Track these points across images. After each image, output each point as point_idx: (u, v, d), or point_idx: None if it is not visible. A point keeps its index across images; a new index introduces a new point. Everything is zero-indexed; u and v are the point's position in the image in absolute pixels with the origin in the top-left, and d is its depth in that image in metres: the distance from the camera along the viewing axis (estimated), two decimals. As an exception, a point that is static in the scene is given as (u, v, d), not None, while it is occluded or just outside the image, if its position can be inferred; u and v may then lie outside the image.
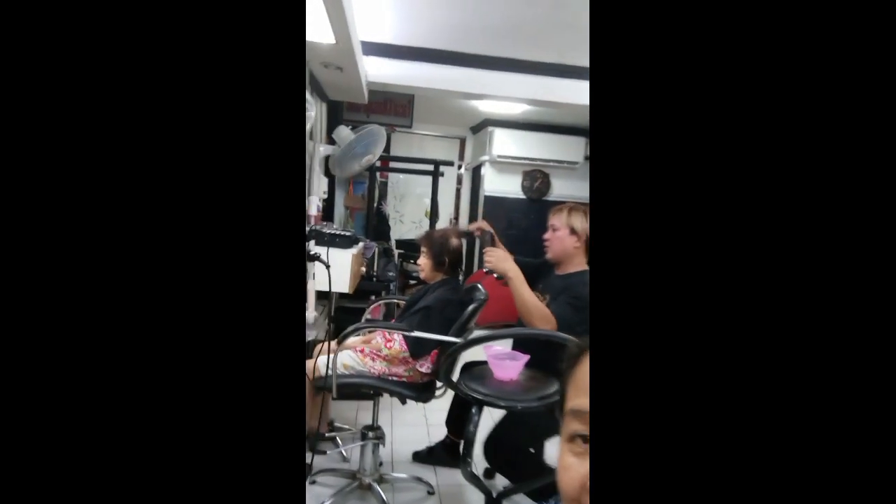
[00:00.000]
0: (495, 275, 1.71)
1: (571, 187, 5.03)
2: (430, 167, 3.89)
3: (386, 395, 1.93)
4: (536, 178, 5.02)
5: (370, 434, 1.96)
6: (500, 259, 1.75)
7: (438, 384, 1.92)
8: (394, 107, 3.88)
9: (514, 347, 1.78)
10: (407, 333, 1.75)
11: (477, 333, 1.55)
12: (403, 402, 1.88)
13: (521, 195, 5.03)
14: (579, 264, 1.79)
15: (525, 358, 1.53)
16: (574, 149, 4.89)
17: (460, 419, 2.02)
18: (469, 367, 1.75)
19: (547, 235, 1.84)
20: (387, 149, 3.64)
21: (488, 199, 4.98)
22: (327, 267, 1.70)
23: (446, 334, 1.80)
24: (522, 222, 4.96)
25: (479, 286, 2.06)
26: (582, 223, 1.77)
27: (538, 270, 1.94)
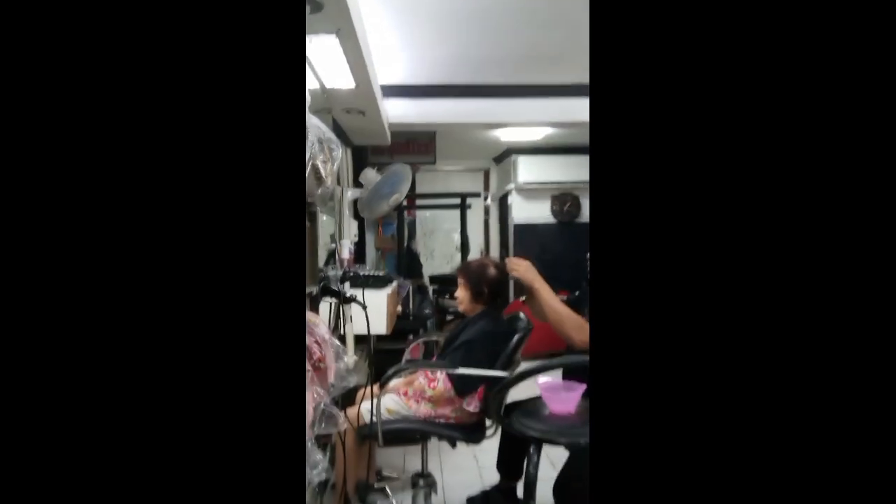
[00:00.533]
0: (522, 298, 1.61)
1: (602, 207, 4.91)
2: (457, 200, 3.88)
3: (434, 439, 1.84)
4: (566, 200, 4.94)
5: (421, 482, 1.86)
6: (526, 268, 1.64)
7: (488, 423, 1.82)
8: (416, 145, 3.91)
9: (566, 376, 1.68)
10: (450, 371, 1.67)
11: (525, 366, 1.46)
12: (453, 446, 1.79)
13: (552, 219, 4.95)
14: None
15: (581, 388, 1.42)
16: (601, 168, 4.81)
17: (513, 461, 1.90)
18: (518, 403, 1.65)
19: None
20: (412, 187, 3.67)
21: (518, 227, 4.91)
22: (364, 308, 1.66)
23: (492, 368, 1.71)
24: (556, 247, 4.86)
25: (521, 315, 1.98)
26: None
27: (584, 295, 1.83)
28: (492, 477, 2.30)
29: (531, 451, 1.33)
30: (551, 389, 1.48)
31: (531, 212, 4.94)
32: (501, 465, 1.99)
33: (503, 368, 1.70)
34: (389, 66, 2.75)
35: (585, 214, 4.94)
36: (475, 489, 2.18)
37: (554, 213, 4.95)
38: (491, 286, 1.87)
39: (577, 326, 1.45)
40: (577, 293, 2.05)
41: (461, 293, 1.90)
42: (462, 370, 1.66)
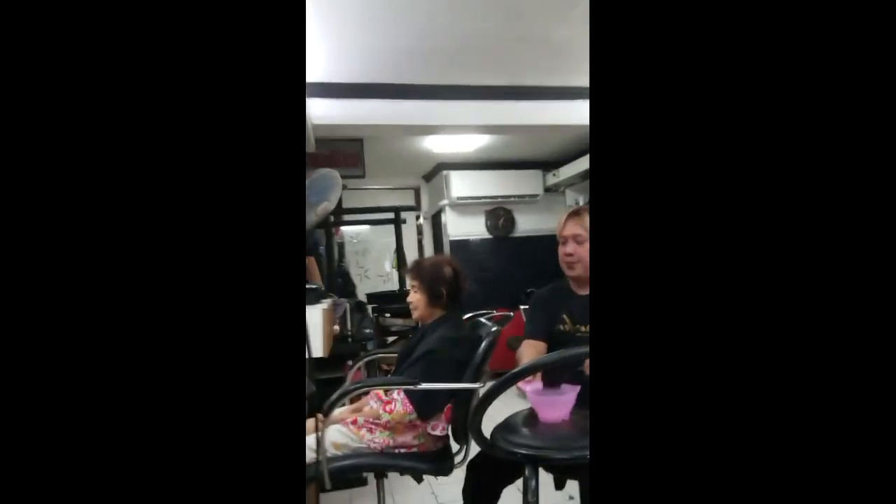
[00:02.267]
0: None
1: (535, 220, 4.87)
2: (390, 215, 3.61)
3: (391, 475, 1.52)
4: (499, 215, 4.83)
5: (379, 531, 1.51)
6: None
7: (454, 447, 1.53)
8: (343, 157, 3.61)
9: (548, 383, 1.44)
10: (411, 388, 1.38)
11: (520, 366, 1.18)
12: (419, 481, 1.47)
13: (487, 235, 4.81)
14: None
15: (575, 389, 1.17)
16: (532, 182, 4.78)
17: (486, 492, 1.58)
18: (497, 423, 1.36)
19: (569, 250, 1.46)
20: (339, 203, 3.36)
21: (454, 243, 4.72)
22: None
23: (459, 382, 1.44)
24: (493, 262, 4.72)
25: (483, 320, 1.73)
26: None
27: (553, 296, 1.59)
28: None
29: (527, 474, 1.06)
30: (541, 394, 1.22)
31: (466, 227, 4.77)
32: (470, 498, 1.67)
33: (473, 380, 1.43)
34: (308, 60, 2.47)
35: (520, 229, 4.86)
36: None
37: (489, 228, 4.82)
38: (449, 287, 1.61)
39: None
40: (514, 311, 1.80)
41: (415, 297, 1.62)
42: (426, 385, 1.37)
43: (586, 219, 1.46)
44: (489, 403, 1.10)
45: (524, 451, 1.08)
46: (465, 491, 1.46)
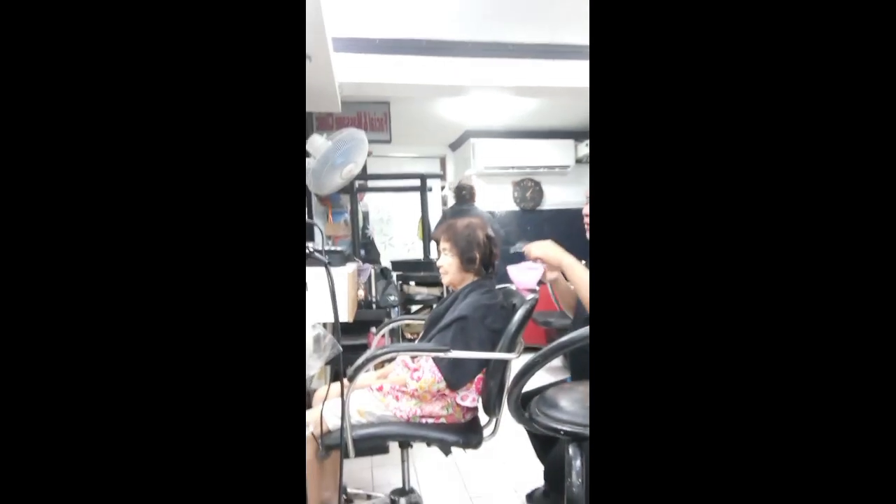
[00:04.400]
0: (543, 282, 1.38)
1: (565, 193, 4.71)
2: (416, 182, 3.50)
3: (416, 445, 1.45)
4: (528, 186, 4.68)
5: (402, 501, 1.46)
6: (547, 247, 1.35)
7: (483, 420, 1.45)
8: (369, 120, 3.50)
9: (575, 368, 1.35)
10: (441, 355, 1.29)
11: (556, 342, 1.09)
12: (447, 453, 1.40)
13: (514, 207, 4.67)
14: None
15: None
16: (563, 152, 4.59)
17: (555, 464, 1.51)
18: (531, 394, 1.27)
19: (587, 210, 1.40)
20: (363, 170, 3.26)
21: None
22: (331, 279, 1.24)
23: (493, 351, 1.35)
24: (520, 235, 4.58)
25: (513, 287, 1.63)
26: None
27: None
28: (477, 485, 1.94)
29: (570, 452, 0.97)
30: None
31: (492, 199, 4.64)
32: (547, 472, 1.56)
33: (508, 350, 1.34)
34: (334, 12, 2.34)
35: (548, 201, 4.71)
36: (460, 502, 1.81)
37: (516, 199, 4.68)
38: (482, 252, 1.50)
39: None
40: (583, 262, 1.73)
41: (446, 261, 1.52)
42: (457, 353, 1.28)
43: None
44: (531, 375, 1.00)
45: (568, 428, 0.98)
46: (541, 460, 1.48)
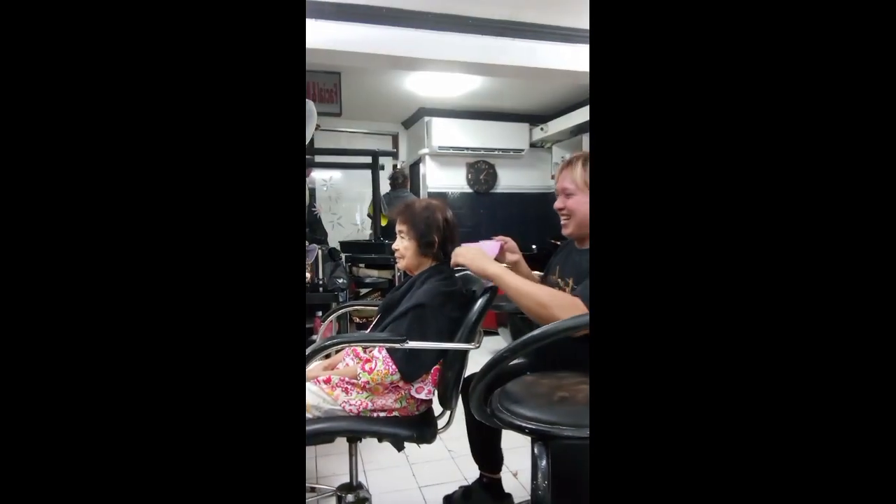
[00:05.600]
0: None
1: (518, 177, 4.69)
2: (368, 159, 3.35)
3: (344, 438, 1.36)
4: (482, 169, 4.62)
5: (350, 497, 1.37)
6: (472, 257, 1.28)
7: (437, 410, 1.38)
8: (318, 91, 3.29)
9: (537, 366, 1.31)
10: (397, 346, 1.20)
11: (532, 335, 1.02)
12: (399, 448, 1.32)
13: (467, 189, 4.61)
14: None
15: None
16: (518, 135, 4.55)
17: (489, 448, 1.51)
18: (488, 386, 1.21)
19: (559, 204, 1.32)
20: (310, 145, 3.07)
21: (432, 195, 4.50)
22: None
23: (451, 341, 1.27)
24: (473, 219, 4.54)
25: (471, 274, 1.56)
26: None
27: (562, 248, 1.47)
28: (426, 475, 1.88)
29: (535, 452, 0.91)
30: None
31: (446, 179, 4.55)
32: (477, 454, 1.55)
33: (466, 341, 1.26)
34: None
35: (502, 185, 4.67)
36: (412, 495, 1.75)
37: (469, 181, 4.61)
38: (441, 235, 1.41)
39: (564, 306, 1.06)
40: (534, 248, 1.67)
41: (402, 244, 1.42)
42: (414, 343, 1.19)
43: (577, 170, 1.28)
44: (497, 371, 0.93)
45: (533, 426, 0.93)
46: (472, 446, 1.51)
